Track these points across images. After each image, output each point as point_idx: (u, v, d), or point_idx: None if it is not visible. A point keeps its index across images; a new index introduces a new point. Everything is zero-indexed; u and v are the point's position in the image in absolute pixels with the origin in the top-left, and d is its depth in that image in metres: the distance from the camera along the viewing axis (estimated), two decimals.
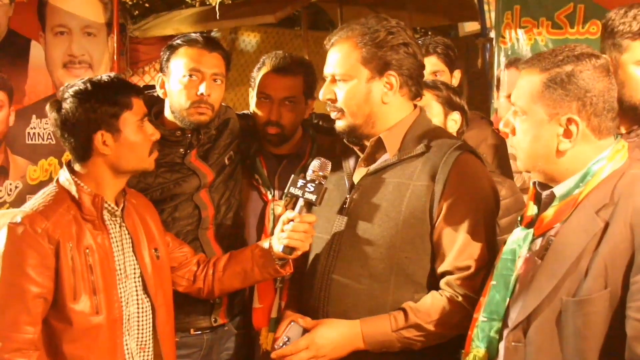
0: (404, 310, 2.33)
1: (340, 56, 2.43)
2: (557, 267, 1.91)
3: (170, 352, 2.58)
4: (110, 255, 2.44)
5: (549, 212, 1.99)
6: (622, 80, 2.43)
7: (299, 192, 2.43)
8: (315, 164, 2.45)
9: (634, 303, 1.79)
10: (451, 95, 3.12)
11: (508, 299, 2.01)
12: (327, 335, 2.36)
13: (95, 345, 2.38)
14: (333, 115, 2.48)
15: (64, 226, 2.36)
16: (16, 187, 5.04)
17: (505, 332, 1.99)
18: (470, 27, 8.51)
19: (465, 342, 2.10)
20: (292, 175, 2.47)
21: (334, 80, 2.45)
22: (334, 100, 2.45)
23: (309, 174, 2.44)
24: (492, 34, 6.66)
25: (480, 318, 2.06)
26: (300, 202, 2.44)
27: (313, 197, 2.41)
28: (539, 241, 2.01)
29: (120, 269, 2.46)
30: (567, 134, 1.95)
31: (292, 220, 2.45)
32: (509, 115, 2.06)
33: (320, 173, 2.43)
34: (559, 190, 2.00)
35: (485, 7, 7.15)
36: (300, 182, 2.43)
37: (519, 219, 2.12)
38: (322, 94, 2.48)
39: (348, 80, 2.41)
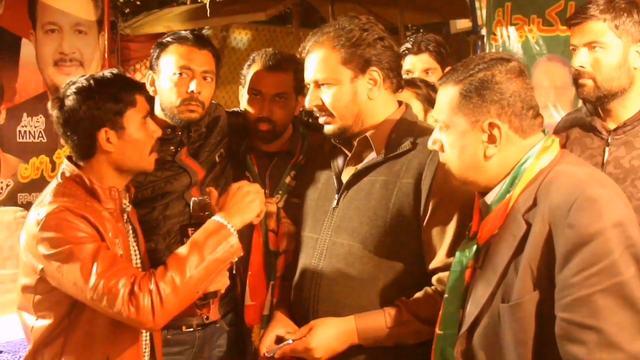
0: (397, 307, 2.34)
1: (319, 61, 2.43)
2: (491, 274, 1.91)
3: (158, 346, 2.59)
4: (128, 247, 2.43)
5: (487, 220, 1.98)
6: None
7: None
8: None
9: (559, 302, 1.78)
10: (430, 93, 3.13)
11: (461, 310, 2.02)
12: (322, 335, 2.36)
13: (128, 332, 2.37)
14: (322, 120, 2.48)
15: (97, 216, 2.31)
16: (7, 186, 5.04)
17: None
18: (461, 24, 8.53)
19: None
20: None
21: (317, 86, 2.45)
22: (322, 106, 2.45)
23: None
24: (484, 31, 6.68)
25: (437, 332, 2.07)
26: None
27: None
28: (482, 250, 2.00)
29: (135, 262, 2.47)
30: (492, 139, 1.95)
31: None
32: (435, 133, 2.06)
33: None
34: (490, 197, 2.00)
35: (477, 4, 7.16)
36: None
37: (467, 229, 2.12)
38: (309, 101, 2.48)
39: (332, 84, 2.42)
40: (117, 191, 2.41)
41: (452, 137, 2.00)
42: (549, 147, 1.97)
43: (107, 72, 2.45)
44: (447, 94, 2.01)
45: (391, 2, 7.60)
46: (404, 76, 2.78)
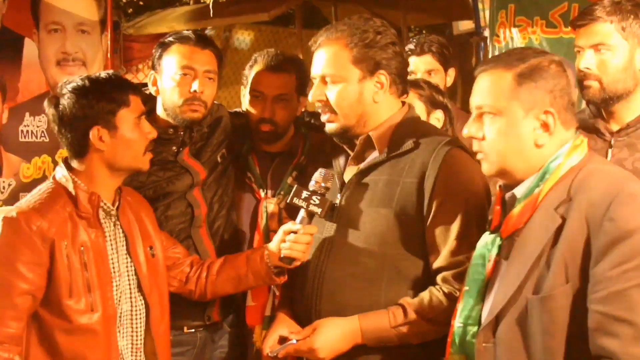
0: (402, 307, 2.34)
1: (329, 57, 2.43)
2: (520, 266, 1.92)
3: (165, 351, 2.58)
4: (104, 253, 2.43)
5: (513, 214, 1.99)
6: None
7: (303, 204, 2.42)
8: (317, 175, 2.44)
9: (593, 295, 1.81)
10: (434, 94, 3.12)
11: (481, 303, 2.03)
12: (327, 335, 2.36)
13: (90, 341, 2.38)
14: (324, 117, 2.47)
15: (60, 224, 2.36)
16: (9, 185, 5.03)
17: (477, 335, 2.00)
18: (464, 25, 8.50)
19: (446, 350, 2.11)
20: (295, 186, 2.47)
21: (323, 82, 2.45)
22: (325, 102, 2.45)
23: (312, 185, 2.43)
24: (487, 33, 6.66)
25: (456, 324, 2.07)
26: (302, 212, 2.44)
27: (318, 210, 2.41)
28: (506, 243, 2.01)
29: (114, 267, 2.46)
30: (545, 127, 1.97)
31: (294, 231, 2.45)
32: (475, 121, 2.04)
33: (323, 184, 2.42)
34: (519, 190, 2.00)
35: (480, 5, 7.14)
36: (305, 194, 2.42)
37: (487, 223, 2.13)
38: (313, 95, 2.47)
39: (339, 81, 2.42)
40: (97, 197, 2.42)
41: (502, 123, 1.99)
42: (578, 145, 1.99)
43: (103, 73, 2.48)
44: (497, 80, 1.99)
45: (394, 4, 7.58)
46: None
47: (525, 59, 1.99)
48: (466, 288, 2.07)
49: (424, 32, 9.05)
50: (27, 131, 5.18)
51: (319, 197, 2.41)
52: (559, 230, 1.88)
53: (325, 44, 2.45)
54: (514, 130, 1.98)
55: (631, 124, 2.68)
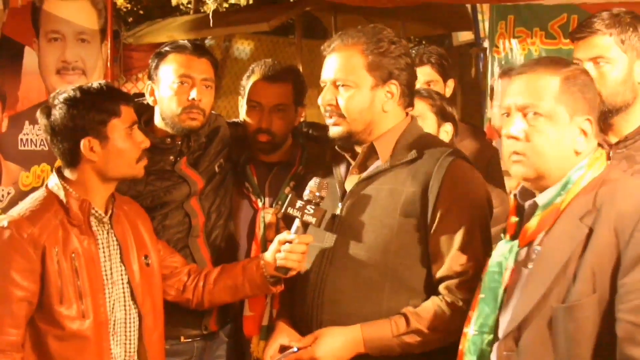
0: (405, 316, 2.34)
1: (344, 62, 2.43)
2: (545, 274, 1.92)
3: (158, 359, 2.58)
4: (97, 260, 2.44)
5: (533, 222, 2.00)
6: None
7: (297, 214, 2.42)
8: (312, 184, 2.44)
9: (623, 305, 1.81)
10: (444, 106, 3.13)
11: (497, 311, 2.02)
12: (329, 344, 2.36)
13: (82, 348, 2.39)
14: (331, 120, 2.46)
15: (51, 231, 2.37)
16: (8, 194, 5.03)
17: (497, 343, 2.00)
18: (464, 36, 8.52)
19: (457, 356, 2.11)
20: (289, 195, 2.47)
21: (335, 86, 2.44)
22: (335, 107, 2.44)
23: (306, 194, 2.43)
24: (486, 44, 6.67)
25: (471, 332, 2.07)
26: (297, 222, 2.44)
27: (313, 220, 2.41)
28: (523, 251, 2.02)
29: (106, 275, 2.46)
30: (584, 134, 1.99)
31: (289, 241, 2.45)
32: (518, 121, 2.02)
33: (318, 194, 2.42)
34: (541, 199, 2.01)
35: (479, 16, 7.16)
36: (299, 203, 2.41)
37: (502, 231, 2.13)
38: (323, 99, 2.46)
39: (352, 86, 2.42)
40: (88, 204, 2.43)
41: (549, 127, 1.98)
42: (599, 157, 2.01)
43: (95, 83, 2.49)
44: (546, 83, 2.00)
45: (393, 14, 7.60)
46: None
47: (568, 65, 2.02)
48: (482, 296, 2.07)
49: (423, 42, 9.07)
50: (27, 140, 5.18)
51: (313, 207, 2.41)
52: (586, 240, 1.89)
53: (340, 49, 2.45)
54: (560, 135, 1.99)
55: (630, 137, 2.67)
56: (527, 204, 2.04)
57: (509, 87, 2.08)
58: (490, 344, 2.01)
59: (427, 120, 3.06)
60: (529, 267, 1.98)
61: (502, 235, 2.12)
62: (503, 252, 2.06)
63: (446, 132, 3.11)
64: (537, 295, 1.91)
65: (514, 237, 2.06)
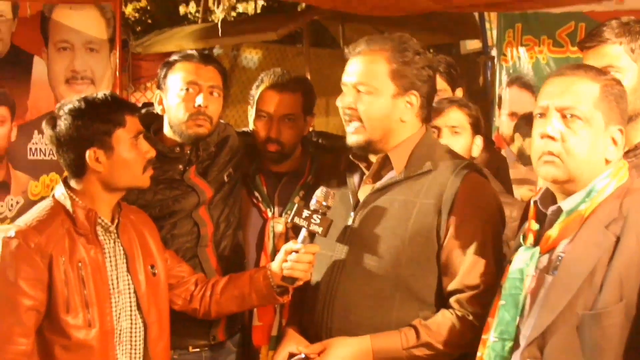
0: (415, 328, 2.33)
1: (368, 66, 2.42)
2: (570, 282, 1.93)
3: None
4: (103, 269, 2.44)
5: (555, 229, 2.01)
6: None
7: (304, 223, 2.41)
8: (319, 193, 2.43)
9: None
10: (480, 117, 3.11)
11: (518, 318, 2.02)
12: (338, 354, 2.35)
13: (88, 357, 2.39)
14: (351, 127, 2.44)
15: (57, 240, 2.38)
16: (17, 203, 5.04)
17: (519, 350, 1.99)
18: (471, 45, 8.52)
19: None
20: (296, 204, 2.47)
21: (356, 90, 2.43)
22: (354, 111, 2.43)
23: (313, 204, 2.42)
24: (494, 52, 6.67)
25: (491, 339, 2.06)
26: (304, 232, 2.43)
27: (319, 230, 2.40)
28: (545, 258, 2.02)
29: (112, 284, 2.46)
30: (614, 143, 2.01)
31: (295, 251, 2.45)
32: (556, 122, 2.01)
33: (324, 203, 2.42)
34: (566, 205, 2.02)
35: (487, 25, 7.16)
36: (306, 213, 2.41)
37: (521, 238, 2.12)
38: (343, 101, 2.44)
39: (373, 92, 2.40)
40: (94, 214, 2.43)
41: (585, 131, 1.99)
42: (622, 167, 2.03)
43: (100, 94, 2.49)
44: (590, 87, 2.02)
45: (401, 23, 7.59)
46: None
47: (606, 74, 2.05)
48: (502, 302, 2.06)
49: (431, 51, 9.06)
50: (36, 149, 5.20)
51: (319, 217, 2.40)
52: (613, 248, 1.90)
53: (366, 53, 2.44)
54: (594, 141, 2.00)
55: (639, 145, 2.67)
56: (551, 209, 2.05)
57: (546, 88, 2.08)
58: (511, 350, 2.01)
59: (464, 131, 3.04)
60: (553, 274, 1.98)
61: (521, 241, 2.11)
62: (524, 259, 2.06)
63: (477, 146, 3.09)
64: (563, 303, 1.92)
65: (535, 244, 2.06)
